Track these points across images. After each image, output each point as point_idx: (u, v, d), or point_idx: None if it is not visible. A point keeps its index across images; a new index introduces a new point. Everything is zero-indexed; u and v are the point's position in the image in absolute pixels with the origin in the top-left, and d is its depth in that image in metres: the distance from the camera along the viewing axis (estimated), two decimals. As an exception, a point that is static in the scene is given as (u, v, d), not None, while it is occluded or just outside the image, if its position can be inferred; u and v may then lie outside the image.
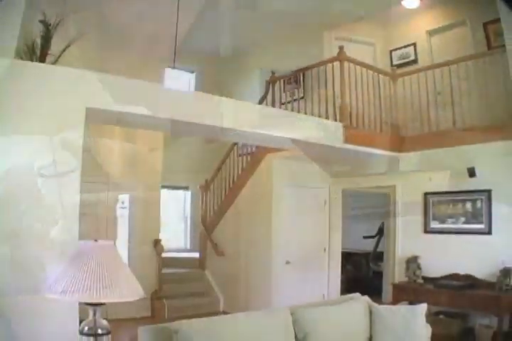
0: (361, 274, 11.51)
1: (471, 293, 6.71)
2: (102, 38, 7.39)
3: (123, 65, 7.36)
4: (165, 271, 8.95)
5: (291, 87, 8.62)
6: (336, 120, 7.00)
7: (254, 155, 8.78)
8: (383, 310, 5.00)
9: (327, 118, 7.07)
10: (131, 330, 4.13)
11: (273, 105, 8.04)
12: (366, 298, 5.31)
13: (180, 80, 11.36)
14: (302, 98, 8.17)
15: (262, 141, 7.11)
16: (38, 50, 5.09)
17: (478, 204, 7.19)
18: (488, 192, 7.08)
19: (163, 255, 8.89)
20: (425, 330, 4.97)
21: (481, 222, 7.15)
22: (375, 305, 5.10)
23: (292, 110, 7.61)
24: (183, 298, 9.04)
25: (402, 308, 5.12)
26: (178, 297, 8.94)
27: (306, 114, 7.22)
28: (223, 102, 5.67)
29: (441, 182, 7.57)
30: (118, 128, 7.84)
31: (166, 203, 10.32)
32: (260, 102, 8.16)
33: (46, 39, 5.13)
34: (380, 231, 10.86)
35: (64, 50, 5.33)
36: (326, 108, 7.23)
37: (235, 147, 9.36)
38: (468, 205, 7.30)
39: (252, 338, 3.84)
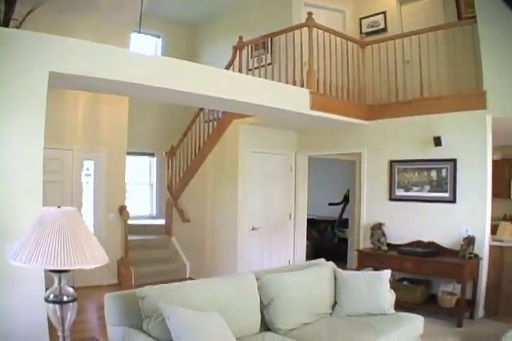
0: (327, 241, 11.66)
1: (435, 261, 6.84)
2: (66, 2, 7.18)
3: (88, 30, 7.23)
4: (131, 237, 8.91)
5: (258, 53, 8.56)
6: (303, 87, 6.97)
7: (221, 121, 8.71)
8: (348, 275, 5.07)
9: (294, 84, 7.04)
10: (97, 297, 4.12)
11: (240, 71, 7.96)
12: (331, 263, 5.39)
13: (146, 45, 11.21)
14: (270, 64, 8.10)
15: (228, 107, 7.05)
16: (1, 15, 4.97)
17: (444, 173, 7.27)
18: (454, 161, 7.17)
19: (129, 222, 8.84)
20: (389, 296, 5.07)
21: (446, 191, 7.25)
22: (340, 270, 5.18)
23: (259, 76, 7.56)
24: (150, 265, 9.04)
25: (367, 274, 5.20)
26: (144, 264, 8.94)
27: (273, 80, 7.17)
28: (188, 67, 5.60)
29: (407, 150, 7.64)
30: (82, 92, 7.70)
31: (131, 170, 10.22)
32: (227, 68, 8.07)
33: (9, 3, 5.01)
34: (346, 199, 10.97)
35: (27, 15, 5.21)
36: (293, 74, 7.19)
37: (202, 113, 9.28)
38: (434, 174, 7.38)
39: (218, 303, 3.87)
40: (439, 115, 7.24)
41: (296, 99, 6.70)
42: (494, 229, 7.28)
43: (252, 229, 8.49)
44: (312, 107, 6.85)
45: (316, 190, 10.69)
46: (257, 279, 4.44)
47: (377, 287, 4.98)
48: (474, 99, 6.92)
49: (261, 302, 4.37)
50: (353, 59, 7.97)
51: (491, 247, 7.05)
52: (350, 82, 7.92)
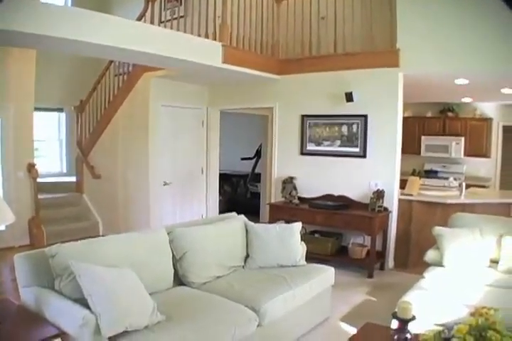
0: (239, 195, 11.74)
1: (345, 214, 7.03)
2: None
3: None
4: (41, 196, 8.63)
5: (171, 5, 8.34)
6: (215, 40, 6.85)
7: (131, 74, 8.47)
8: (259, 228, 5.11)
9: (207, 37, 6.91)
10: (10, 259, 3.99)
11: (152, 23, 7.74)
12: (242, 217, 5.42)
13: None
14: (182, 17, 7.91)
15: (138, 59, 6.85)
16: None
17: (354, 128, 7.39)
18: (365, 117, 7.30)
19: (39, 180, 8.54)
20: (300, 248, 5.16)
21: (356, 146, 7.39)
22: (251, 223, 5.21)
23: (172, 29, 7.37)
24: (62, 224, 8.82)
25: (278, 227, 5.25)
26: (56, 223, 8.72)
27: (186, 33, 7.01)
28: (98, 18, 5.37)
29: (318, 105, 7.70)
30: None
31: (39, 126, 9.85)
32: (138, 20, 7.82)
33: None
34: (258, 153, 11.01)
35: None
36: (206, 27, 7.05)
37: (112, 66, 9.01)
38: (345, 129, 7.49)
39: (130, 259, 3.83)
40: (352, 71, 7.30)
41: (208, 52, 6.58)
42: (403, 184, 7.50)
43: (164, 184, 8.41)
44: (224, 61, 6.75)
45: (228, 144, 10.68)
46: (168, 233, 4.41)
47: (288, 239, 5.05)
48: (387, 56, 7.01)
49: (173, 256, 4.36)
50: (267, 13, 7.89)
51: (400, 201, 7.29)
52: (264, 36, 7.86)
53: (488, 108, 11.35)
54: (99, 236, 8.64)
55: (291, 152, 8.07)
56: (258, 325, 3.86)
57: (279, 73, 7.96)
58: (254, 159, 11.52)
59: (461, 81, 7.48)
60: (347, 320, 5.16)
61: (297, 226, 5.26)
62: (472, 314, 2.57)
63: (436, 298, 4.32)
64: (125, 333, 3.14)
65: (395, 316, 3.02)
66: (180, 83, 8.46)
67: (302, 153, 7.96)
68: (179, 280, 4.41)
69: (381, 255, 7.22)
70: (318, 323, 4.99)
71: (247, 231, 5.11)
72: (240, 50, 7.23)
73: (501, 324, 2.43)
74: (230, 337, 3.50)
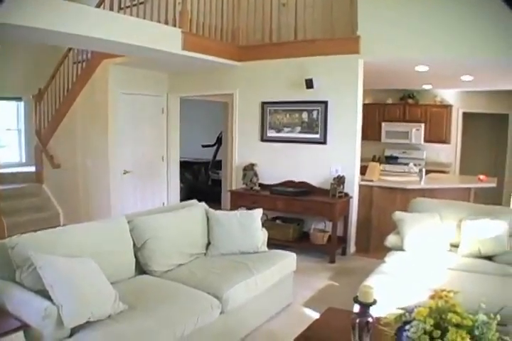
0: (201, 182, 11.72)
1: (306, 200, 7.06)
2: None
3: None
4: (1, 187, 8.47)
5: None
6: (175, 26, 6.78)
7: (90, 61, 8.35)
8: (220, 215, 5.11)
9: (167, 24, 6.83)
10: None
11: (111, 9, 7.62)
12: (203, 204, 5.41)
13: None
14: (142, 3, 7.80)
15: (97, 46, 6.74)
16: None
17: (315, 114, 7.41)
18: (325, 103, 7.33)
19: (-3, 170, 8.41)
20: (261, 234, 5.17)
21: (317, 132, 7.42)
22: (212, 210, 5.20)
23: (131, 15, 7.27)
24: (23, 214, 8.66)
25: (239, 213, 5.25)
26: (17, 213, 8.55)
27: (145, 19, 6.92)
28: (55, 4, 5.26)
29: (279, 92, 7.71)
30: None
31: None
32: (97, 6, 7.69)
33: None
34: (219, 140, 10.99)
35: None
36: (166, 14, 6.97)
37: (70, 53, 8.86)
38: (305, 115, 7.51)
39: (90, 249, 3.79)
40: (313, 58, 7.32)
41: (167, 39, 6.52)
42: (364, 170, 7.57)
43: (124, 172, 8.34)
44: (184, 47, 6.69)
45: (189, 132, 10.62)
46: (128, 222, 4.37)
47: (249, 226, 5.06)
48: (348, 43, 7.05)
49: (134, 245, 4.33)
50: (228, -1, 7.84)
51: (361, 186, 7.37)
52: (224, 23, 7.80)
53: (448, 95, 11.51)
54: (60, 226, 8.52)
55: (251, 139, 8.08)
56: (221, 312, 3.87)
57: (239, 60, 7.93)
58: (215, 146, 11.51)
59: (421, 68, 7.55)
60: (310, 305, 5.21)
61: (258, 212, 5.27)
62: (432, 297, 2.60)
63: (398, 281, 4.39)
64: (88, 323, 3.12)
65: (356, 300, 3.04)
66: (139, 70, 8.37)
67: (263, 140, 7.97)
68: (141, 269, 4.38)
69: (342, 240, 7.30)
70: (281, 309, 5.03)
71: (208, 218, 5.10)
72: (200, 37, 7.18)
73: (461, 306, 2.46)
74: (192, 325, 3.49)
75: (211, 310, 3.74)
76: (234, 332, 4.23)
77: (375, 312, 3.03)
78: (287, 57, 7.54)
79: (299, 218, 7.58)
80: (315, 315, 4.31)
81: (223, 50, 7.63)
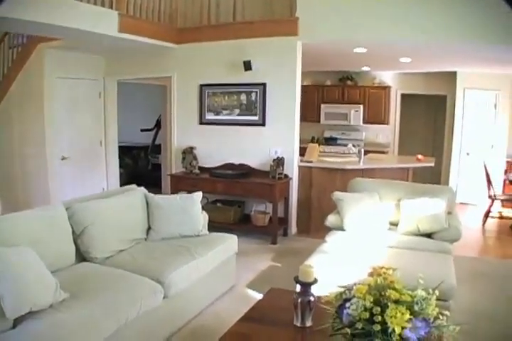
0: (141, 167, 11.60)
1: (246, 182, 7.10)
2: None
3: None
4: None
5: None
6: (112, 8, 6.63)
7: (25, 45, 8.10)
8: (160, 199, 5.08)
9: (103, 6, 6.67)
10: None
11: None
12: (142, 188, 5.34)
13: None
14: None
15: (31, 29, 6.56)
16: None
17: (253, 96, 7.42)
18: (263, 85, 7.34)
19: None
20: (202, 217, 5.16)
21: (256, 114, 7.44)
22: (152, 195, 5.15)
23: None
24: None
25: (178, 197, 5.23)
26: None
27: (81, 1, 6.74)
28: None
29: (217, 74, 7.67)
30: None
31: None
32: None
33: None
34: (158, 124, 10.87)
35: None
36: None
37: (6, 37, 8.56)
38: (243, 97, 7.50)
39: (28, 238, 3.68)
40: (251, 40, 7.30)
41: (104, 21, 6.37)
42: (304, 151, 7.62)
43: (62, 158, 8.15)
44: (120, 30, 6.56)
45: (127, 116, 10.44)
46: (67, 209, 4.27)
47: (189, 209, 5.04)
48: (286, 25, 7.06)
49: (73, 232, 4.24)
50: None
51: (300, 168, 7.42)
52: (162, 5, 7.67)
53: (386, 76, 11.67)
54: (-2, 216, 8.32)
55: (190, 122, 8.02)
56: (164, 297, 3.85)
57: (178, 42, 7.83)
58: (154, 130, 11.37)
59: (359, 50, 7.62)
60: (253, 286, 5.25)
61: (197, 195, 5.25)
62: (371, 274, 2.64)
63: (338, 260, 4.46)
64: (30, 314, 3.04)
65: (297, 280, 3.07)
66: (75, 54, 8.15)
67: (201, 123, 7.93)
68: (82, 257, 4.29)
69: (284, 221, 7.35)
70: (224, 291, 5.05)
71: (147, 203, 5.04)
72: (137, 19, 7.05)
73: (400, 282, 2.50)
74: (136, 311, 3.46)
75: (154, 295, 3.71)
76: (179, 316, 4.23)
77: (317, 291, 3.07)
78: (226, 39, 7.48)
79: (240, 200, 7.61)
80: (258, 296, 4.33)
81: (161, 33, 7.51)
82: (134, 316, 3.43)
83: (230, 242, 5.07)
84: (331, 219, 5.51)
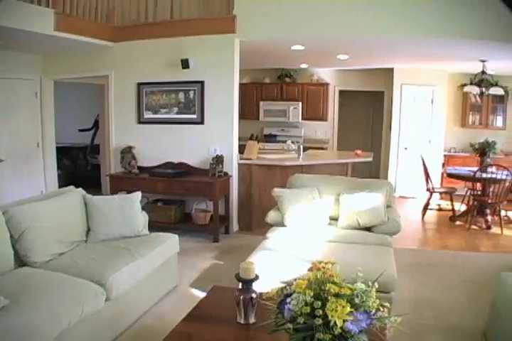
0: (80, 168, 11.43)
1: (186, 180, 7.09)
2: None
3: None
4: None
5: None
6: (48, 6, 6.50)
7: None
8: (98, 200, 5.00)
9: (39, 4, 6.53)
10: None
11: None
12: (80, 190, 5.24)
13: None
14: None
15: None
16: None
17: (191, 94, 7.42)
18: (201, 83, 7.35)
19: None
20: (141, 217, 5.13)
21: (194, 113, 7.46)
22: (90, 196, 5.06)
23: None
24: None
25: (117, 197, 5.19)
26: None
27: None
28: None
29: (154, 72, 7.63)
30: None
31: None
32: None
33: None
34: (96, 124, 10.75)
35: None
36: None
37: None
38: (182, 96, 7.49)
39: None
40: (189, 38, 7.30)
41: (39, 20, 6.25)
42: (243, 149, 7.65)
43: (-2, 161, 7.95)
44: (56, 28, 6.45)
45: (65, 116, 10.26)
46: (4, 213, 4.15)
47: (128, 210, 5.00)
48: (224, 22, 7.07)
49: (11, 236, 4.14)
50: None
51: (240, 165, 7.47)
52: (99, 3, 7.58)
53: (324, 73, 11.83)
54: None
55: (128, 121, 7.95)
56: (106, 299, 3.80)
57: (115, 40, 7.73)
58: (93, 130, 11.23)
59: (297, 47, 7.69)
60: (196, 285, 5.25)
61: (137, 195, 5.21)
62: (310, 269, 2.67)
63: (280, 256, 4.51)
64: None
65: (238, 277, 3.09)
66: (10, 52, 7.92)
67: (140, 122, 7.87)
68: (21, 261, 4.18)
69: (225, 219, 7.38)
70: (167, 291, 5.03)
71: (86, 204, 4.97)
72: (74, 17, 6.95)
73: (339, 276, 2.53)
74: (78, 315, 3.40)
75: (95, 298, 3.66)
76: (122, 318, 4.19)
77: (259, 287, 3.09)
78: (163, 37, 7.45)
79: (181, 199, 7.60)
80: (202, 295, 4.32)
81: (98, 31, 7.41)
82: (76, 320, 3.38)
83: (171, 242, 5.04)
84: (271, 216, 5.56)
